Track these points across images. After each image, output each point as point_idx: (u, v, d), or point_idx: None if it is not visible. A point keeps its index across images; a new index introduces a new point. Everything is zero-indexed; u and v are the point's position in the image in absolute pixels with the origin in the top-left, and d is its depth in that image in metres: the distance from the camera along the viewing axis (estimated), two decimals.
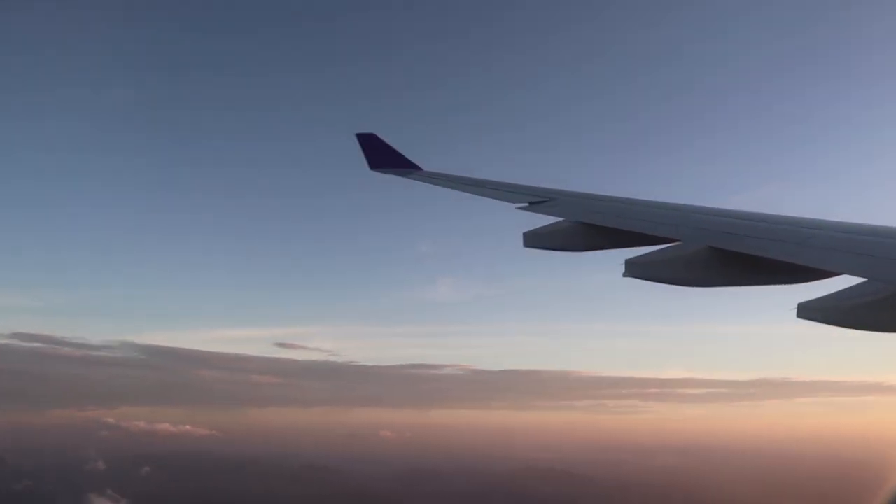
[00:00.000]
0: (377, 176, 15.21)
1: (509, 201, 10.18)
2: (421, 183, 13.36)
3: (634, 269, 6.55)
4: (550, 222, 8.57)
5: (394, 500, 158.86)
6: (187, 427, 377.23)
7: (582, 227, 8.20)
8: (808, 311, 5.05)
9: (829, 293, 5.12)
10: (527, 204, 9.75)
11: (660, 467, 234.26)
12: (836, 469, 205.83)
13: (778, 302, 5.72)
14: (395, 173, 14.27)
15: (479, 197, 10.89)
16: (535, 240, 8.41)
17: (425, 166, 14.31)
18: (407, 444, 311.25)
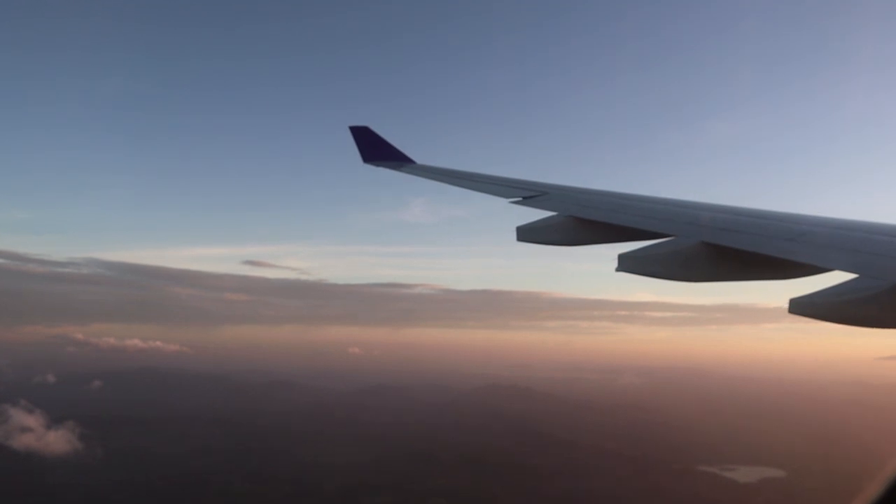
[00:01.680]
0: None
1: (503, 196, 10.13)
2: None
3: (627, 264, 6.53)
4: (544, 216, 8.54)
5: (358, 414, 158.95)
6: (157, 343, 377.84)
7: (575, 221, 8.18)
8: (800, 306, 5.06)
9: (820, 289, 5.09)
10: (520, 198, 9.71)
11: (623, 387, 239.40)
12: (799, 391, 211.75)
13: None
14: (388, 166, 14.40)
15: (471, 191, 11.03)
16: (528, 234, 8.38)
17: (418, 159, 14.41)
18: (375, 360, 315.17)
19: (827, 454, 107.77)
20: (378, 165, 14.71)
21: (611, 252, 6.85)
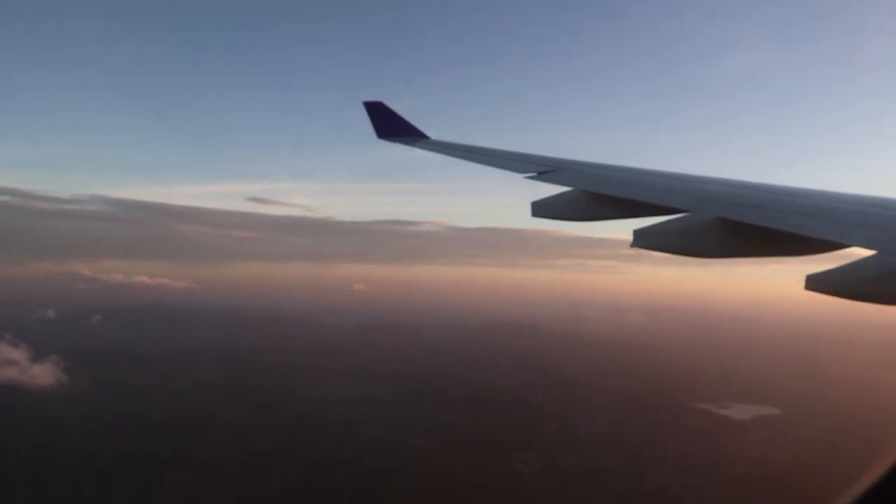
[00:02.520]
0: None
1: (517, 171, 10.14)
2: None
3: (642, 239, 6.46)
4: (559, 192, 8.52)
5: (365, 350, 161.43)
6: (165, 280, 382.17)
7: (590, 196, 8.15)
8: (817, 283, 4.99)
9: (838, 265, 5.04)
10: (535, 174, 9.69)
11: (628, 325, 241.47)
12: (801, 330, 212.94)
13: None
14: (402, 142, 14.47)
15: (485, 166, 11.02)
16: (543, 210, 8.37)
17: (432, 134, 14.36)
18: (381, 297, 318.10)
19: (824, 394, 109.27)
20: (392, 141, 14.88)
21: (626, 228, 6.95)
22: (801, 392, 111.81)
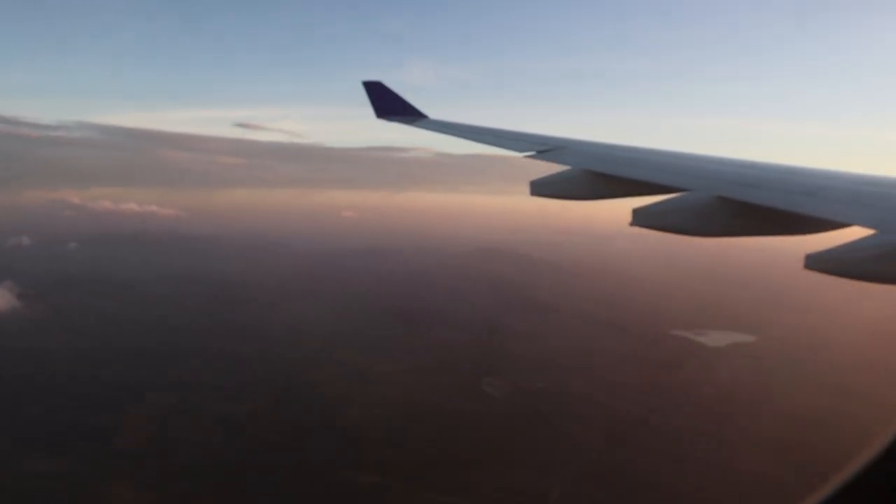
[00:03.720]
0: None
1: (517, 150, 10.18)
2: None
3: (642, 218, 6.50)
4: (558, 171, 8.54)
5: (347, 275, 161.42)
6: (153, 207, 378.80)
7: (590, 175, 8.18)
8: (817, 262, 5.04)
9: (838, 244, 5.09)
10: (534, 152, 9.72)
11: (615, 252, 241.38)
12: (787, 261, 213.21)
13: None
14: (401, 121, 14.51)
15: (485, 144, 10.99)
16: (542, 188, 8.41)
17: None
18: (367, 224, 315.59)
19: (805, 323, 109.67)
20: (391, 120, 14.89)
21: (626, 206, 6.84)
22: (782, 321, 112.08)
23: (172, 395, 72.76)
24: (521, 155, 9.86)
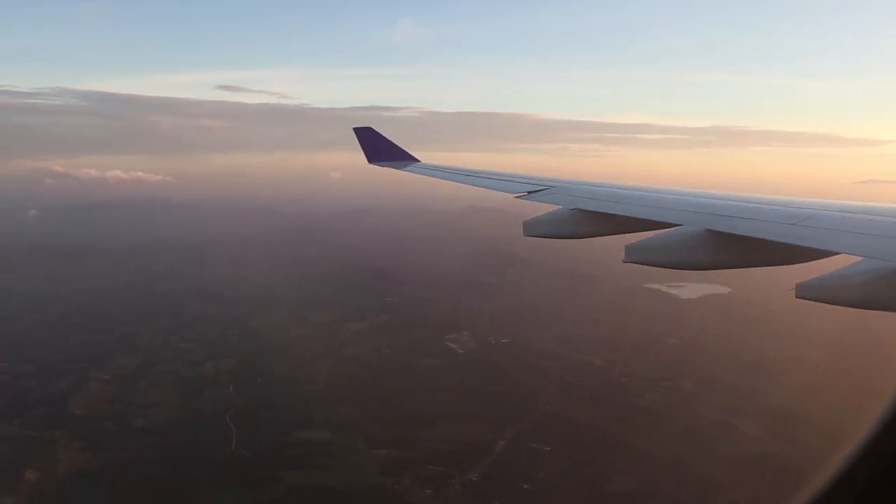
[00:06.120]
0: None
1: (508, 191, 10.58)
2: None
3: (635, 254, 6.75)
4: (550, 211, 8.79)
5: (330, 237, 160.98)
6: (139, 174, 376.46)
7: (580, 214, 8.38)
8: (807, 290, 5.22)
9: (827, 272, 5.24)
10: (525, 193, 9.98)
11: None
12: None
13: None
14: (393, 166, 14.68)
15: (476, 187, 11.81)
16: (535, 228, 8.75)
17: None
18: (356, 185, 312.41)
19: (781, 274, 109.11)
20: (383, 165, 15.03)
21: (618, 243, 6.98)
22: (759, 273, 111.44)
23: (135, 359, 72.84)
24: (512, 196, 10.18)
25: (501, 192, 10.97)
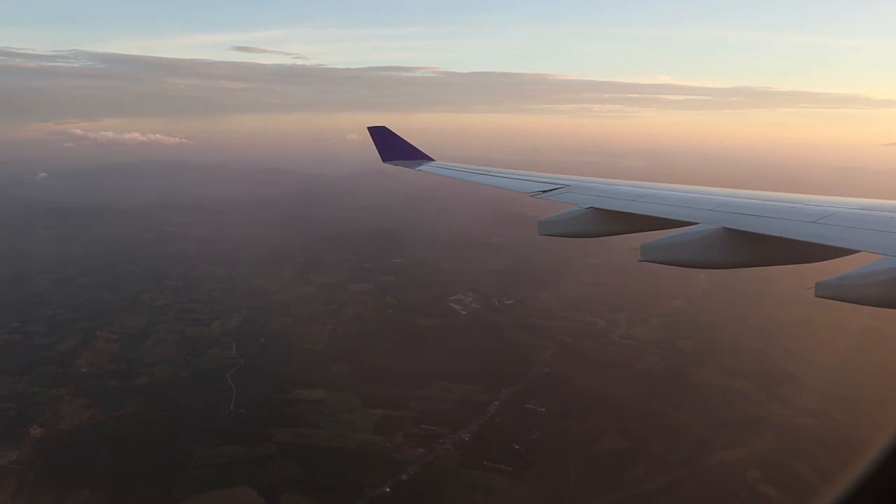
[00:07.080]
0: None
1: (522, 190, 10.67)
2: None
3: (650, 253, 6.74)
4: (565, 210, 8.80)
5: (344, 197, 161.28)
6: (157, 136, 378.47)
7: (596, 212, 8.44)
8: (827, 289, 5.06)
9: (847, 271, 5.12)
10: (540, 192, 10.11)
11: (622, 169, 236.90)
12: (801, 175, 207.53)
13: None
14: (407, 165, 15.01)
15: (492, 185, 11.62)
16: (550, 227, 8.76)
17: None
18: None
19: None
20: (397, 164, 15.28)
21: (634, 242, 6.90)
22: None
23: (142, 318, 73.96)
24: (528, 194, 10.25)
25: (516, 189, 11.03)
